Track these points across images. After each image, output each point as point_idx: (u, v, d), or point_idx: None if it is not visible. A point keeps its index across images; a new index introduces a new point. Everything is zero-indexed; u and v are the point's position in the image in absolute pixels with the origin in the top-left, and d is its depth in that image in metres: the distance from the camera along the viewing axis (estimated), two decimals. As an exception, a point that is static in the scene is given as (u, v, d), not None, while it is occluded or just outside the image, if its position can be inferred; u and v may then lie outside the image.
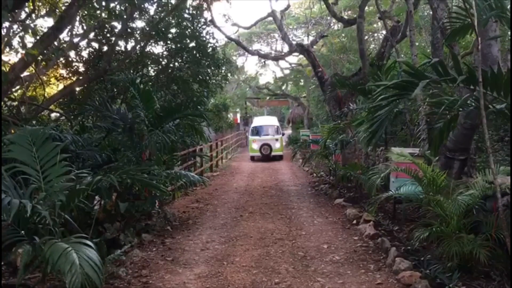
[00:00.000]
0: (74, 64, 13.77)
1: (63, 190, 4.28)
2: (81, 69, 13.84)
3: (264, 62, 31.01)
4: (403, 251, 6.12)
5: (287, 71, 36.05)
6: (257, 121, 26.40)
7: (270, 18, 21.08)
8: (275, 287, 5.24)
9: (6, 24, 8.74)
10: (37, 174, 4.34)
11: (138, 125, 8.34)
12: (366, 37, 22.95)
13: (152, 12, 14.03)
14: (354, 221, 8.29)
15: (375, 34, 23.92)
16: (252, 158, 23.73)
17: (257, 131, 24.27)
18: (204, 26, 15.32)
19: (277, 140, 23.60)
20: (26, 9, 10.95)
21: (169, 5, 13.85)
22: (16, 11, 9.37)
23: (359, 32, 12.90)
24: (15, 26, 9.66)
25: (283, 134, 25.45)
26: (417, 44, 13.79)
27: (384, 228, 7.49)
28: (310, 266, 5.93)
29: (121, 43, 13.58)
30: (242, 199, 11.70)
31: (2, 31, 7.94)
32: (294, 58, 31.28)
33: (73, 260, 3.67)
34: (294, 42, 18.22)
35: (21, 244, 4.25)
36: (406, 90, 3.62)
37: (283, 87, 38.05)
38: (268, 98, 38.03)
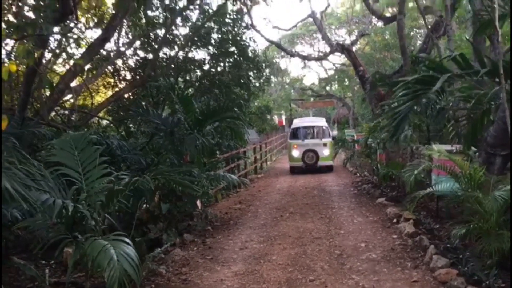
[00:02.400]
0: (121, 72, 14.43)
1: (102, 191, 4.56)
2: (128, 77, 14.46)
3: (305, 63, 30.93)
4: (443, 249, 6.00)
5: (331, 72, 35.85)
6: (298, 121, 21.06)
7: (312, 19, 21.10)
8: (309, 284, 5.32)
9: (55, 36, 9.25)
10: (79, 176, 4.63)
11: (179, 129, 8.63)
12: (412, 33, 22.51)
13: (194, 18, 14.43)
14: (395, 220, 8.19)
15: (421, 30, 23.37)
16: (292, 170, 18.29)
17: (298, 133, 18.75)
18: (244, 30, 15.63)
19: (325, 145, 17.76)
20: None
21: (210, 11, 14.22)
22: (66, 23, 9.96)
23: (399, 29, 12.74)
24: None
25: (333, 138, 19.51)
26: (463, 38, 13.43)
27: (424, 227, 7.36)
28: (346, 264, 5.95)
29: (166, 50, 14.10)
30: (283, 199, 11.78)
31: (48, 43, 8.39)
32: (337, 58, 31.08)
33: (111, 256, 3.89)
34: (334, 42, 18.14)
35: (65, 243, 4.56)
36: (428, 85, 3.60)
37: (328, 88, 37.79)
38: (312, 99, 37.88)
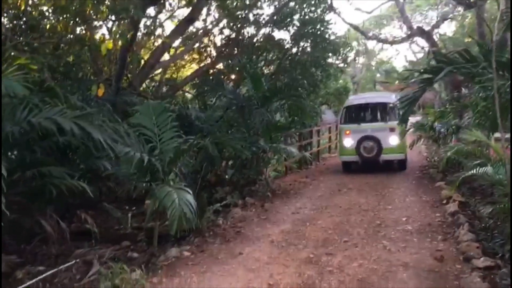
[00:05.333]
0: (207, 49, 15.64)
1: (172, 149, 5.65)
2: (213, 54, 15.64)
3: (382, 46, 30.40)
4: (476, 228, 6.44)
5: (420, 55, 34.81)
6: (355, 98, 16.18)
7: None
8: (342, 244, 6.08)
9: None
10: (154, 136, 5.76)
11: (248, 104, 9.59)
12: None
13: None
14: (444, 201, 8.56)
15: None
16: (347, 167, 13.39)
17: (352, 114, 13.52)
18: (325, 12, 16.10)
19: (392, 130, 12.49)
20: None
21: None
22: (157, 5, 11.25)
23: (478, 14, 12.56)
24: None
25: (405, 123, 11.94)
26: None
27: (470, 208, 7.71)
28: (381, 232, 6.60)
29: (250, 30, 14.99)
30: (347, 177, 12.36)
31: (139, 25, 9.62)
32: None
33: (174, 198, 4.96)
34: (414, 26, 17.99)
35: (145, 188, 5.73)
36: (436, 75, 4.13)
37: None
38: (397, 82, 37.13)
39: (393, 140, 12.56)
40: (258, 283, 4.74)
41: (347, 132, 12.96)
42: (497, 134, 7.47)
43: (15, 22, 8.64)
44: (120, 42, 8.21)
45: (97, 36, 9.64)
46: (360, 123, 12.95)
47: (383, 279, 4.81)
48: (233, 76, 14.48)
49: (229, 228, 6.94)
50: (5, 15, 8.23)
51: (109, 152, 4.97)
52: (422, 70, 4.53)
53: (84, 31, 9.51)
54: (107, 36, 9.45)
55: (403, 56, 43.92)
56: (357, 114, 13.50)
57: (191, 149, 5.74)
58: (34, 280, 4.60)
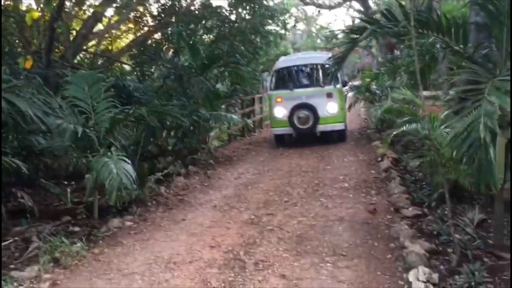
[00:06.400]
0: (143, 18, 15.19)
1: (107, 119, 5.56)
2: (150, 23, 15.22)
3: (319, 11, 30.66)
4: (409, 181, 6.85)
5: (358, 21, 35.47)
6: (285, 59, 13.25)
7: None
8: (283, 204, 6.31)
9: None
10: (88, 107, 5.63)
11: (187, 73, 9.51)
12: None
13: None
14: (380, 159, 8.99)
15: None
16: (279, 140, 11.85)
17: (284, 78, 11.77)
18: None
19: (330, 96, 11.02)
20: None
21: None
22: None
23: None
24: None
25: (345, 84, 12.60)
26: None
27: (402, 164, 8.16)
28: (319, 190, 6.90)
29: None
30: (289, 143, 12.62)
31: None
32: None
33: (111, 169, 4.93)
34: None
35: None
36: (361, 35, 4.31)
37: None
38: (337, 48, 37.78)
39: (332, 107, 11.06)
40: (201, 246, 4.86)
41: (278, 99, 11.32)
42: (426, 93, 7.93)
43: None
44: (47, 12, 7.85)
45: (24, 7, 9.15)
46: (292, 89, 11.28)
47: (320, 234, 5.06)
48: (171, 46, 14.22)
49: (172, 196, 6.98)
50: None
51: (40, 126, 4.83)
52: (347, 31, 4.69)
53: (8, 1, 9.01)
54: (34, 6, 9.01)
55: (341, 21, 44.77)
56: (289, 78, 11.77)
57: (127, 119, 5.67)
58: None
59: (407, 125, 6.92)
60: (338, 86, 11.22)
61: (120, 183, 4.94)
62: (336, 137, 11.57)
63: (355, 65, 42.01)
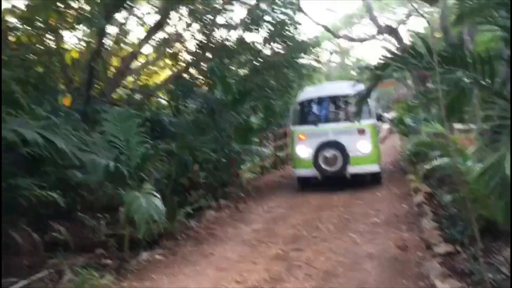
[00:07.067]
0: (179, 54, 15.71)
1: (138, 154, 5.74)
2: (186, 59, 15.70)
3: (353, 44, 30.85)
4: (442, 217, 6.67)
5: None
6: (311, 91, 11.67)
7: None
8: (311, 239, 6.25)
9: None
10: (121, 143, 5.84)
11: (218, 107, 9.71)
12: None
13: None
14: (413, 193, 8.81)
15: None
16: (303, 183, 10.33)
17: (309, 112, 10.64)
18: (295, 12, 16.32)
19: (362, 133, 9.63)
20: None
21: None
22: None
23: (443, 12, 12.93)
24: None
25: (380, 119, 11.49)
26: None
27: (436, 198, 7.96)
28: (350, 226, 6.81)
29: (222, 33, 15.07)
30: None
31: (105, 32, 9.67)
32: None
33: (140, 203, 5.06)
34: (383, 24, 18.36)
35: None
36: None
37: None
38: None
39: (364, 146, 9.60)
40: (227, 281, 4.87)
41: (301, 136, 9.93)
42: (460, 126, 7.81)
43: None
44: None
45: (67, 46, 9.70)
46: (318, 124, 9.94)
47: (348, 270, 4.99)
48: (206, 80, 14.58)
49: (202, 230, 7.04)
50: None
51: (75, 161, 5.04)
52: (372, 68, 4.73)
53: (52, 42, 9.54)
54: (77, 46, 9.54)
55: (376, 53, 44.89)
56: (313, 111, 10.56)
57: (158, 154, 5.84)
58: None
59: (437, 159, 6.85)
60: (371, 121, 9.80)
61: (149, 217, 5.06)
62: (369, 180, 10.13)
63: (390, 96, 41.69)
